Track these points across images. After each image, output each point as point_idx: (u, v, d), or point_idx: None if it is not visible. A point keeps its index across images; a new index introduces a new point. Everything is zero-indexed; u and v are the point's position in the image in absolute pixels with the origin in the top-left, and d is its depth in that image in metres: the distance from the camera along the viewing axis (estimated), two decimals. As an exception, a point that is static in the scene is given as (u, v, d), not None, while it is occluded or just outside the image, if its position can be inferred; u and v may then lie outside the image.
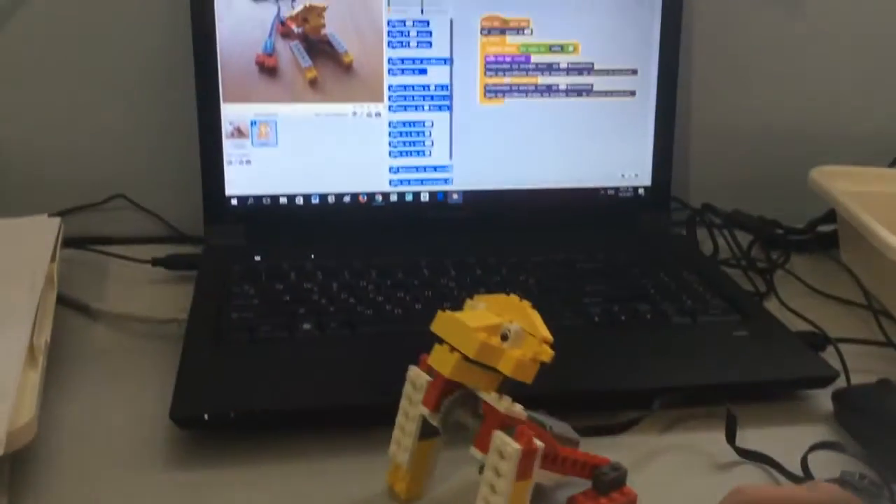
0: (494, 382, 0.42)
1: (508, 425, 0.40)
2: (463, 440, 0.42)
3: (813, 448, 0.48)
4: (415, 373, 0.44)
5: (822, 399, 0.56)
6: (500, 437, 0.39)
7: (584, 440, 0.49)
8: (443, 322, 0.41)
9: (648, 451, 0.51)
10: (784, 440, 0.51)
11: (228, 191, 0.72)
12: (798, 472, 0.48)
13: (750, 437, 0.51)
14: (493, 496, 0.39)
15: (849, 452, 0.47)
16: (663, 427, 0.53)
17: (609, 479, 0.45)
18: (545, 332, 0.41)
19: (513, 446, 0.39)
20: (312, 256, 0.69)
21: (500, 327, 0.41)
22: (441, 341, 0.42)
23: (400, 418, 0.45)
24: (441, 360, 0.41)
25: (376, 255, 0.69)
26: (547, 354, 0.41)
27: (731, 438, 0.51)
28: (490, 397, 0.41)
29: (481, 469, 0.40)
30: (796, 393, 0.57)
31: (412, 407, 0.44)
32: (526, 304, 0.42)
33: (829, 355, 0.59)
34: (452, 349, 0.41)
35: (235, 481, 0.47)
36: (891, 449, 0.50)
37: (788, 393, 0.57)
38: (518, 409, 0.41)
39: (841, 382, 0.57)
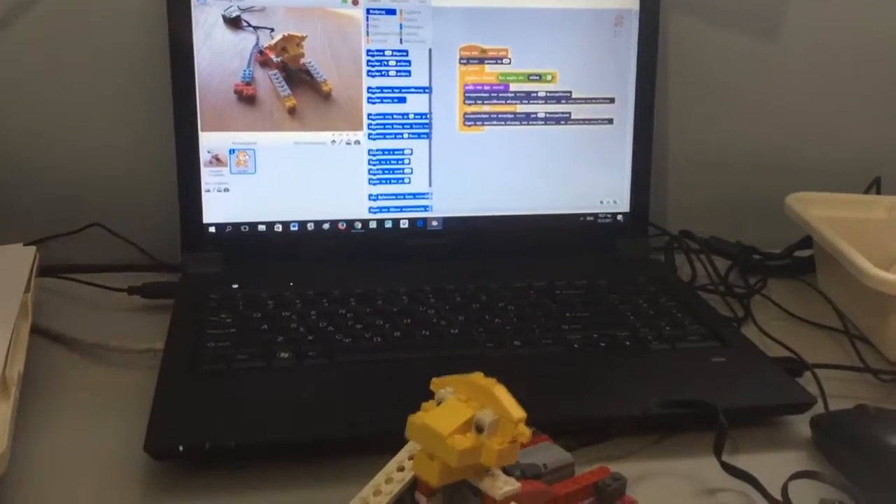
0: (482, 467, 0.41)
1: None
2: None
3: (793, 477, 0.48)
4: (413, 445, 0.43)
5: (801, 425, 0.56)
6: None
7: (576, 455, 0.49)
8: (416, 431, 0.41)
9: (636, 472, 0.51)
10: (763, 466, 0.50)
11: (206, 218, 0.71)
12: (778, 497, 0.48)
13: (730, 462, 0.51)
14: None
15: (827, 480, 0.47)
16: (650, 443, 0.54)
17: (612, 490, 0.46)
18: (517, 412, 0.40)
19: None
20: (291, 284, 0.68)
21: (472, 420, 0.40)
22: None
23: (379, 479, 0.43)
24: (425, 470, 0.41)
25: (355, 282, 0.69)
26: (524, 435, 0.40)
27: (718, 452, 0.51)
28: (484, 484, 0.41)
29: None
30: (775, 419, 0.57)
31: (400, 473, 0.43)
32: (492, 382, 0.41)
33: (807, 381, 0.59)
34: (433, 455, 0.40)
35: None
36: (868, 475, 0.50)
37: (767, 419, 0.57)
38: (511, 484, 0.41)
39: (819, 408, 0.57)
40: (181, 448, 0.48)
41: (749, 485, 0.49)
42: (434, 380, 0.43)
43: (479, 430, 0.40)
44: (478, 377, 0.42)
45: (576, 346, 0.62)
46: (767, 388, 0.58)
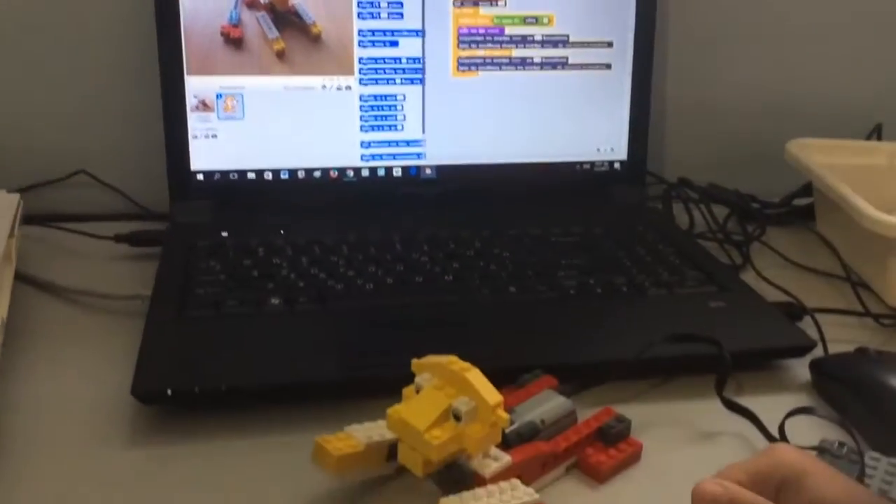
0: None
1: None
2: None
3: (790, 414, 0.47)
4: None
5: (800, 369, 0.55)
6: (517, 482, 0.41)
7: (578, 398, 0.49)
8: (395, 425, 0.41)
9: (639, 414, 0.50)
10: (763, 408, 0.50)
11: (194, 166, 0.70)
12: (777, 436, 0.48)
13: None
14: (487, 498, 0.39)
15: (825, 417, 0.47)
16: (652, 386, 0.53)
17: (615, 432, 0.46)
18: (493, 396, 0.40)
19: (533, 494, 0.40)
20: (281, 233, 0.67)
21: (449, 410, 0.40)
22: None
23: (379, 422, 0.43)
24: (409, 460, 0.41)
25: (347, 230, 0.68)
26: (503, 420, 0.40)
27: (719, 387, 0.50)
28: (473, 464, 0.41)
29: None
30: (773, 363, 0.56)
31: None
32: (465, 367, 0.41)
33: (807, 326, 0.58)
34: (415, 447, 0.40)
35: (199, 457, 0.46)
36: (868, 416, 0.49)
37: (766, 363, 0.56)
38: (502, 459, 0.41)
39: (818, 352, 0.56)
40: (169, 392, 0.47)
41: (749, 422, 0.49)
42: (414, 361, 0.42)
43: (458, 418, 0.40)
44: (452, 362, 0.41)
45: (572, 292, 0.61)
46: (766, 331, 0.57)
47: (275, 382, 0.49)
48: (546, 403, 0.46)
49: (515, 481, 0.41)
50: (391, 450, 0.42)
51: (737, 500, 0.35)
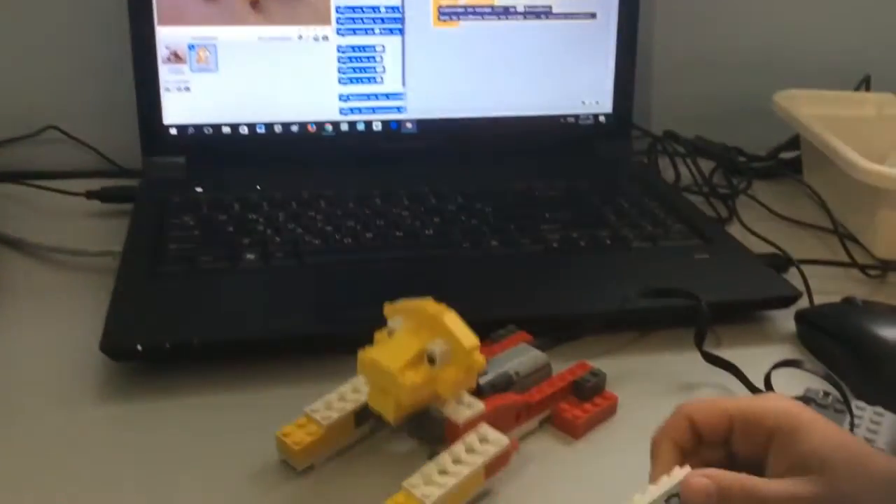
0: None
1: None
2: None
3: (777, 366, 0.46)
4: None
5: (785, 320, 0.55)
6: (488, 428, 0.39)
7: (554, 352, 0.48)
8: (366, 367, 0.39)
9: (620, 360, 0.50)
10: (747, 360, 0.49)
11: (166, 120, 0.68)
12: (760, 388, 0.47)
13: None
14: (453, 465, 0.38)
15: (811, 369, 0.46)
16: (630, 340, 0.52)
17: (590, 386, 0.45)
18: (470, 340, 0.39)
19: (503, 438, 0.39)
20: (258, 188, 0.65)
21: (423, 353, 0.39)
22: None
23: (346, 388, 0.42)
24: (380, 404, 0.39)
25: (326, 186, 0.66)
26: (479, 363, 0.39)
27: (698, 340, 0.49)
28: (446, 409, 0.40)
29: (432, 455, 0.39)
30: (759, 314, 0.56)
31: (367, 386, 0.41)
32: (442, 309, 0.39)
33: (793, 277, 0.58)
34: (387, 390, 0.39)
35: (172, 414, 0.44)
36: (853, 366, 0.49)
37: (751, 314, 0.55)
38: (475, 406, 0.40)
39: (804, 303, 0.55)
40: (139, 347, 0.46)
41: (731, 375, 0.48)
42: (386, 305, 0.41)
43: (432, 361, 0.38)
44: (428, 304, 0.39)
45: (555, 245, 0.60)
46: (751, 282, 0.56)
47: (249, 337, 0.48)
48: (520, 356, 0.45)
49: (484, 427, 0.39)
50: (358, 416, 0.41)
51: (727, 488, 0.34)
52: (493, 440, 0.39)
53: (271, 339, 0.48)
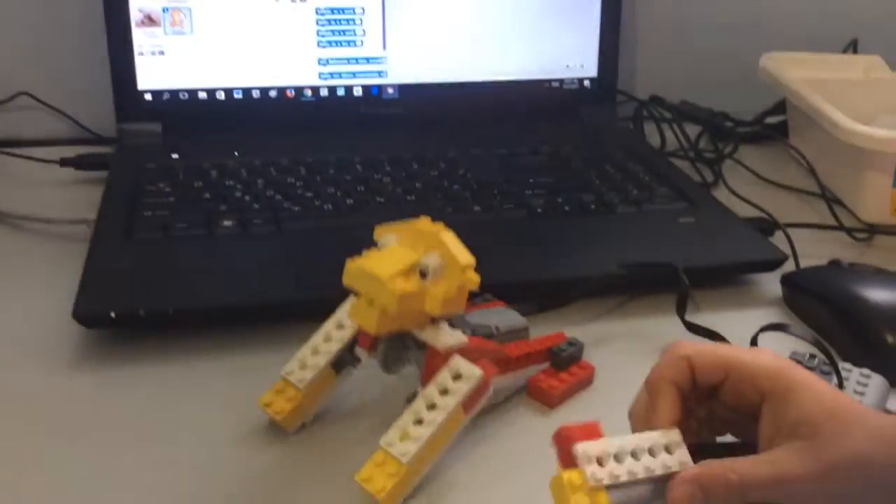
0: (426, 317, 0.38)
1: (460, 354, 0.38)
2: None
3: (763, 329, 0.46)
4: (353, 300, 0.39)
5: (771, 284, 0.54)
6: (460, 361, 0.37)
7: (536, 319, 0.47)
8: (354, 275, 0.37)
9: (601, 329, 0.49)
10: (733, 324, 0.49)
11: (141, 85, 0.66)
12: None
13: (698, 321, 0.49)
14: (428, 412, 0.36)
15: (797, 333, 0.45)
16: (612, 307, 0.51)
17: (566, 355, 0.44)
18: (466, 258, 0.37)
19: (475, 370, 0.37)
20: (235, 154, 0.64)
21: (416, 265, 0.37)
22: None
23: (317, 339, 0.41)
24: (362, 315, 0.37)
25: (305, 152, 0.65)
26: (473, 282, 0.37)
27: (680, 310, 0.48)
28: (426, 335, 0.38)
29: (411, 397, 0.37)
30: (744, 278, 0.55)
31: (340, 331, 0.40)
32: (440, 226, 0.38)
33: (779, 241, 0.57)
34: (372, 300, 0.37)
35: (147, 382, 0.44)
36: (839, 327, 0.48)
37: (737, 278, 0.55)
38: (458, 337, 0.38)
39: (790, 267, 0.54)
40: (113, 315, 0.45)
41: (714, 340, 0.47)
42: (376, 227, 0.39)
43: (424, 275, 0.36)
44: (424, 222, 0.38)
45: (539, 210, 0.59)
46: (737, 246, 0.55)
47: (225, 304, 0.47)
48: (500, 315, 0.44)
49: (456, 359, 0.37)
50: (336, 364, 0.40)
51: (709, 490, 0.33)
52: (467, 374, 0.37)
53: (249, 307, 0.47)
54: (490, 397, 0.39)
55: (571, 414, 0.43)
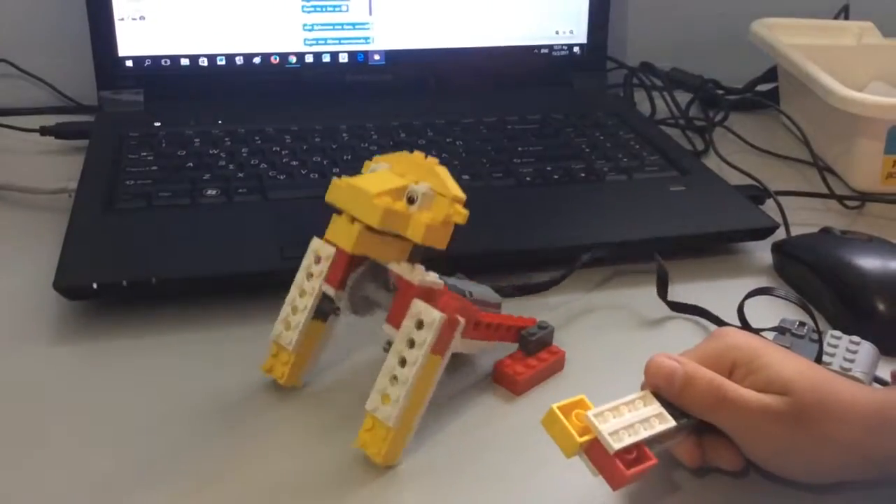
0: (404, 251, 0.38)
1: (424, 298, 0.36)
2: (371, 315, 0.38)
3: (749, 295, 0.45)
4: (318, 244, 0.39)
5: (762, 252, 0.54)
6: (419, 305, 0.36)
7: (509, 302, 0.46)
8: (339, 191, 0.36)
9: (578, 310, 0.48)
10: (722, 293, 0.48)
11: (122, 51, 0.65)
12: (735, 322, 0.46)
13: (687, 291, 0.49)
14: (401, 369, 0.35)
15: (785, 296, 0.45)
16: (593, 286, 0.50)
17: (536, 340, 0.43)
18: (456, 191, 0.36)
19: (435, 313, 0.35)
20: (219, 122, 0.63)
21: (404, 190, 0.36)
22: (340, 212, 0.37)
23: (293, 294, 0.40)
24: (341, 232, 0.36)
25: (291, 120, 0.64)
26: (460, 215, 0.36)
27: (662, 292, 0.48)
28: (401, 268, 0.37)
29: (387, 346, 0.37)
30: (735, 246, 0.55)
31: (310, 282, 0.39)
32: (433, 161, 0.37)
33: (770, 209, 0.56)
34: (353, 220, 0.36)
35: (130, 353, 0.43)
36: (829, 295, 0.48)
37: (727, 246, 0.54)
38: (433, 277, 0.37)
39: (781, 235, 0.54)
40: (95, 286, 0.44)
41: (699, 317, 0.47)
42: (367, 162, 0.39)
43: (412, 201, 0.36)
44: (418, 155, 0.37)
45: (528, 178, 0.58)
46: (728, 214, 0.55)
47: (210, 274, 0.46)
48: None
49: (416, 304, 0.36)
50: (318, 313, 0.39)
51: (692, 376, 0.34)
52: (428, 321, 0.35)
53: (234, 276, 0.47)
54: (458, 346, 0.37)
55: (537, 401, 0.41)
